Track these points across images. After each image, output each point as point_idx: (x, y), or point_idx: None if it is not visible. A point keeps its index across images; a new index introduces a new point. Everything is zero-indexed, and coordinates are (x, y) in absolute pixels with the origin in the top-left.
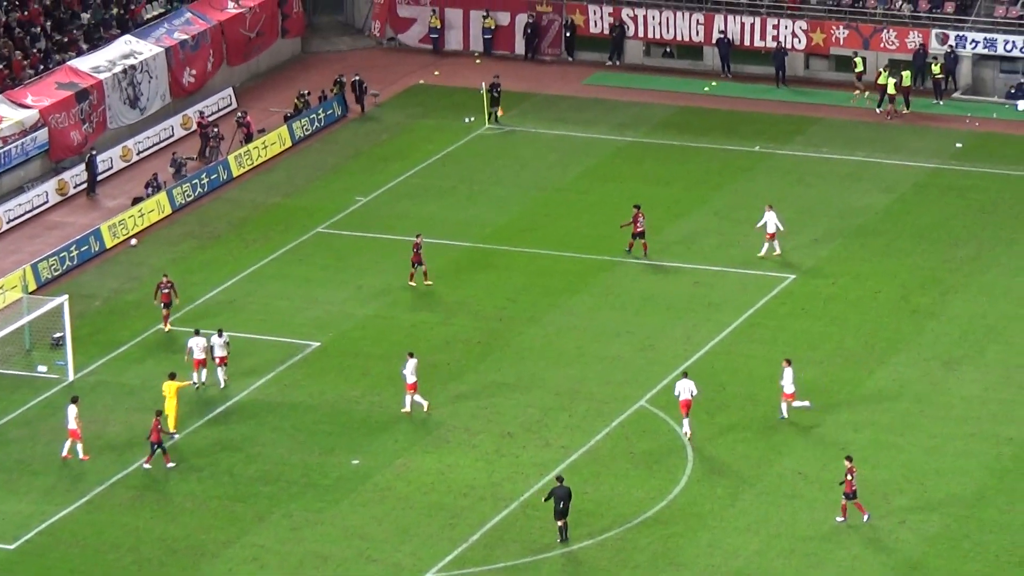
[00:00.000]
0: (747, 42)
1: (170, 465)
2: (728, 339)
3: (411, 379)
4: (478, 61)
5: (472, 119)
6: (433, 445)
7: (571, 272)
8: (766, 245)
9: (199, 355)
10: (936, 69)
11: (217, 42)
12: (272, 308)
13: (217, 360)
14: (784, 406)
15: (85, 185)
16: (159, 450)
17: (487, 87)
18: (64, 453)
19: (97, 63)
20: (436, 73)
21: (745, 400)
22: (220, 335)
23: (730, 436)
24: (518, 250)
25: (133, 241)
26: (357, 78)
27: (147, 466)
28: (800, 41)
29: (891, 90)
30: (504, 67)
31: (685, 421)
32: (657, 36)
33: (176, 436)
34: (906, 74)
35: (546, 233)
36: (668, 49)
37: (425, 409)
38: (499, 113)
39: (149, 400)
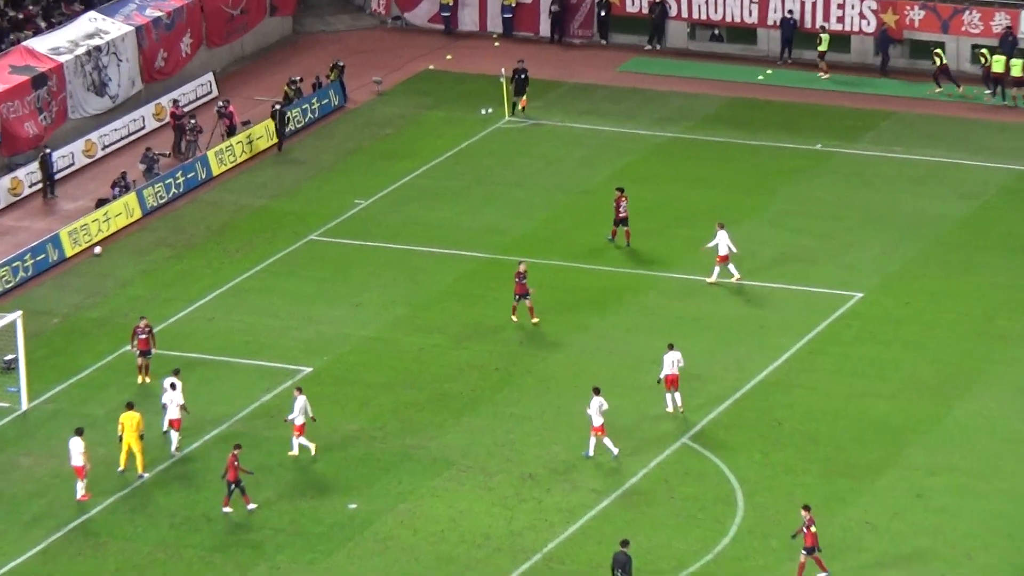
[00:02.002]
0: (808, 23)
1: (251, 507)
2: (784, 367)
3: (299, 420)
4: (497, 44)
5: (490, 110)
6: (443, 488)
7: (603, 289)
8: (717, 269)
9: (174, 414)
10: None
11: (195, 20)
12: (257, 328)
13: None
14: (592, 441)
15: (41, 185)
16: (237, 489)
17: (509, 74)
18: (80, 495)
19: (57, 43)
20: (448, 57)
21: (804, 439)
22: (173, 387)
23: (786, 480)
24: (541, 262)
25: (97, 250)
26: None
27: (227, 509)
28: (869, 23)
29: (1017, 72)
30: (527, 51)
31: (670, 396)
32: (704, 16)
33: (145, 476)
34: (998, 59)
35: (574, 243)
36: (716, 31)
37: (313, 453)
38: (522, 104)
39: (114, 433)
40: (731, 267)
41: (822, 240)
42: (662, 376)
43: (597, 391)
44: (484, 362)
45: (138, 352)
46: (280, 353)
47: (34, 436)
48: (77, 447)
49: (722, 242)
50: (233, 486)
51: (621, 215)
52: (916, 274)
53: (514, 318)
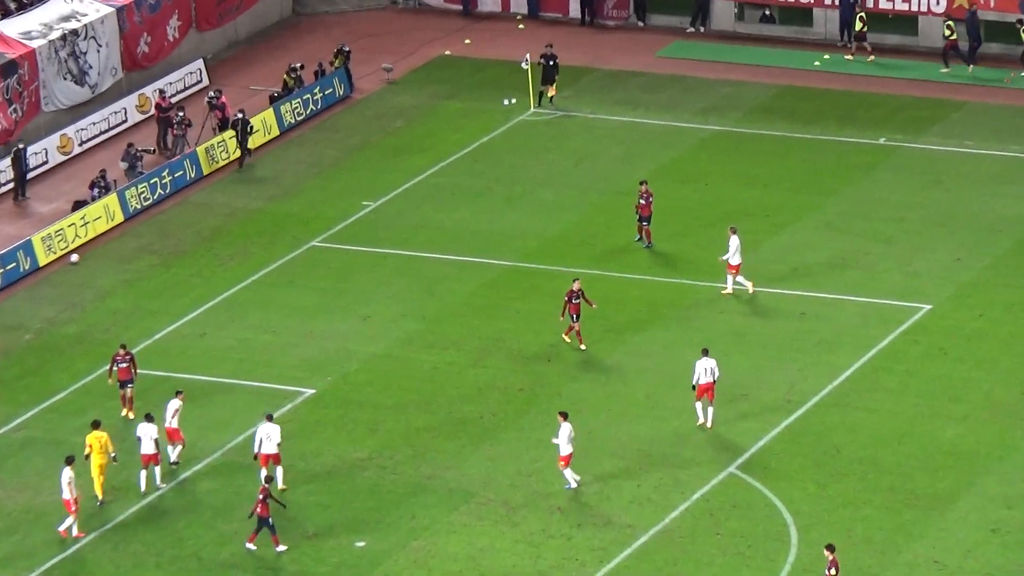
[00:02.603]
0: (871, 2)
1: (280, 549)
2: (843, 387)
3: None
4: (521, 26)
5: (513, 101)
6: (461, 523)
7: (640, 300)
8: (730, 278)
9: (149, 448)
10: None
11: (183, 0)
12: (253, 345)
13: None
14: (569, 472)
15: (12, 186)
16: (266, 528)
17: (535, 60)
18: (62, 528)
19: (28, 27)
20: (467, 41)
21: (867, 466)
22: (149, 417)
23: (846, 513)
24: (571, 271)
25: (74, 257)
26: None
27: (251, 546)
28: (938, 3)
29: None
30: (555, 34)
31: (701, 405)
32: None
33: (103, 502)
34: None
35: (608, 249)
36: (767, 11)
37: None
38: (551, 93)
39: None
40: (741, 278)
41: (886, 245)
42: (694, 382)
43: (565, 416)
44: (506, 382)
45: (118, 384)
46: (279, 373)
47: (3, 467)
48: (66, 478)
49: (733, 248)
50: (263, 523)
51: (647, 212)
52: (991, 283)
53: (567, 339)
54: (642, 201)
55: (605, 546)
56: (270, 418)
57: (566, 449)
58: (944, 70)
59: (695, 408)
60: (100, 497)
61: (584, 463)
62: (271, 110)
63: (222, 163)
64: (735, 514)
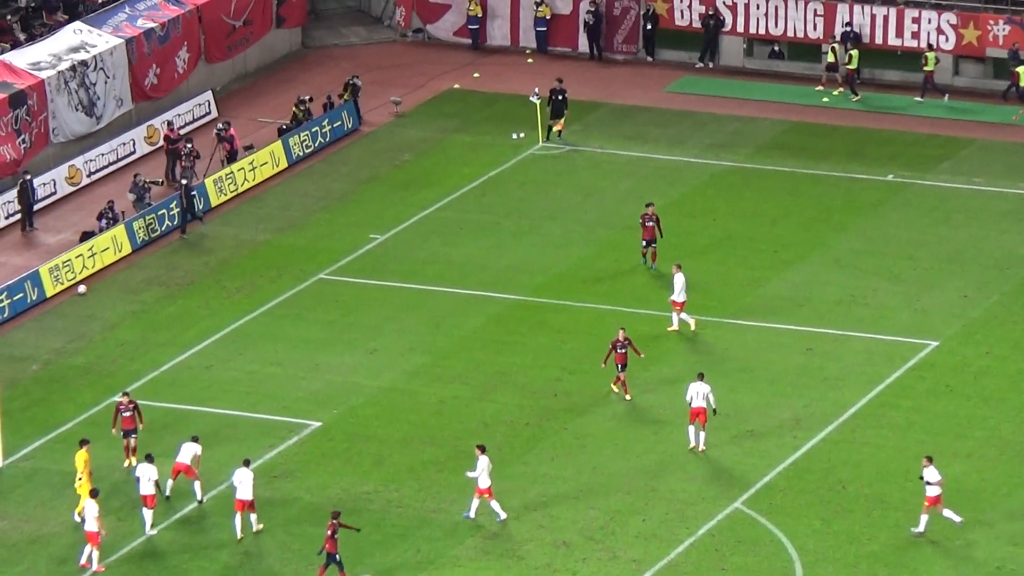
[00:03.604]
0: (879, 39)
1: None
2: (850, 424)
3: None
4: (530, 60)
5: (522, 135)
6: (467, 557)
7: (647, 335)
8: (675, 316)
9: (148, 489)
10: None
11: (193, 32)
12: (259, 377)
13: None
14: (476, 503)
15: (19, 216)
16: (335, 564)
17: (544, 94)
18: (90, 565)
19: (38, 58)
20: (476, 75)
21: (872, 503)
22: (150, 458)
23: (851, 550)
24: (579, 305)
25: (81, 288)
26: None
27: None
28: (948, 39)
29: None
30: (564, 68)
31: (695, 434)
32: (762, 30)
33: (79, 520)
34: None
35: (615, 284)
36: (777, 47)
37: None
38: (559, 128)
39: (102, 494)
40: (685, 315)
41: (894, 282)
42: (689, 404)
43: (483, 449)
44: (512, 417)
45: (122, 433)
46: (285, 405)
47: (9, 497)
48: (92, 511)
49: (678, 286)
50: (332, 559)
51: (651, 235)
52: (1000, 320)
53: (615, 389)
54: (648, 224)
55: None
56: (247, 463)
57: (484, 482)
58: (919, 100)
59: (687, 432)
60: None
61: (590, 498)
62: (279, 142)
63: (230, 195)
64: (740, 550)
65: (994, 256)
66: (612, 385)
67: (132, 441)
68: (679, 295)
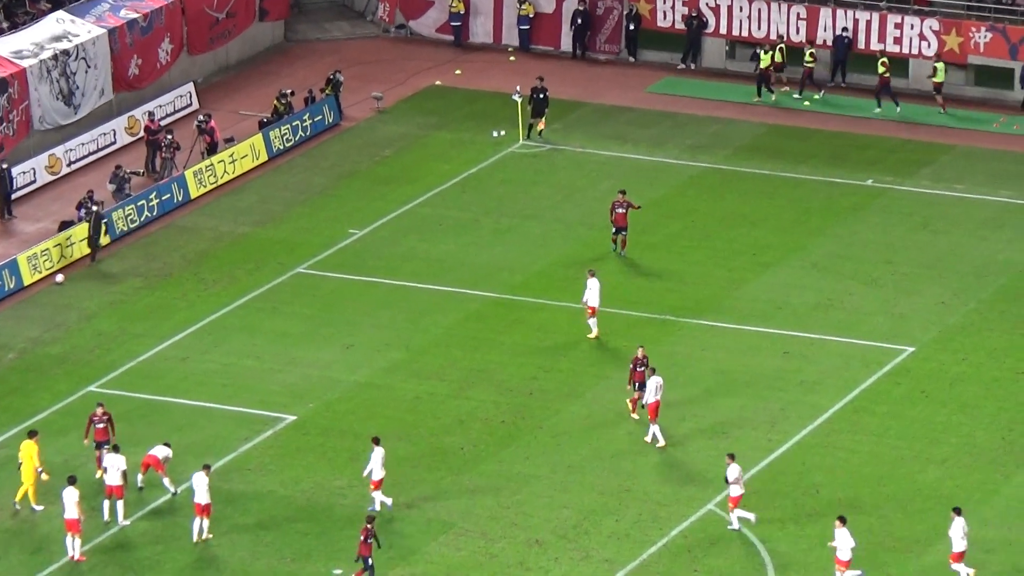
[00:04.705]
0: (860, 43)
1: None
2: (825, 428)
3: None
4: (512, 59)
5: (503, 133)
6: (439, 553)
7: (624, 335)
8: (593, 323)
9: (115, 480)
10: None
11: (175, 24)
12: (236, 370)
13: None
14: (379, 495)
15: None
16: (367, 571)
17: (525, 92)
18: (72, 553)
19: (20, 46)
20: (457, 72)
21: (846, 507)
22: (116, 448)
23: (823, 553)
24: (557, 304)
25: (59, 277)
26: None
27: None
28: (930, 46)
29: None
30: (546, 67)
31: (654, 429)
32: (745, 33)
33: (18, 508)
34: None
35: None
36: (758, 50)
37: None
38: (540, 126)
39: (79, 485)
40: (592, 321)
41: (872, 287)
42: (645, 401)
43: (377, 441)
44: (488, 414)
45: (95, 444)
46: (261, 399)
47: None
48: (72, 498)
49: (593, 292)
50: (365, 563)
51: (620, 220)
52: (977, 327)
53: (635, 416)
54: (620, 210)
55: None
56: (207, 469)
57: (378, 474)
58: (877, 110)
59: (650, 430)
60: (17, 502)
61: (564, 497)
62: (260, 135)
63: (210, 187)
64: (713, 551)
65: (973, 263)
66: (632, 414)
67: (104, 452)
68: (592, 300)
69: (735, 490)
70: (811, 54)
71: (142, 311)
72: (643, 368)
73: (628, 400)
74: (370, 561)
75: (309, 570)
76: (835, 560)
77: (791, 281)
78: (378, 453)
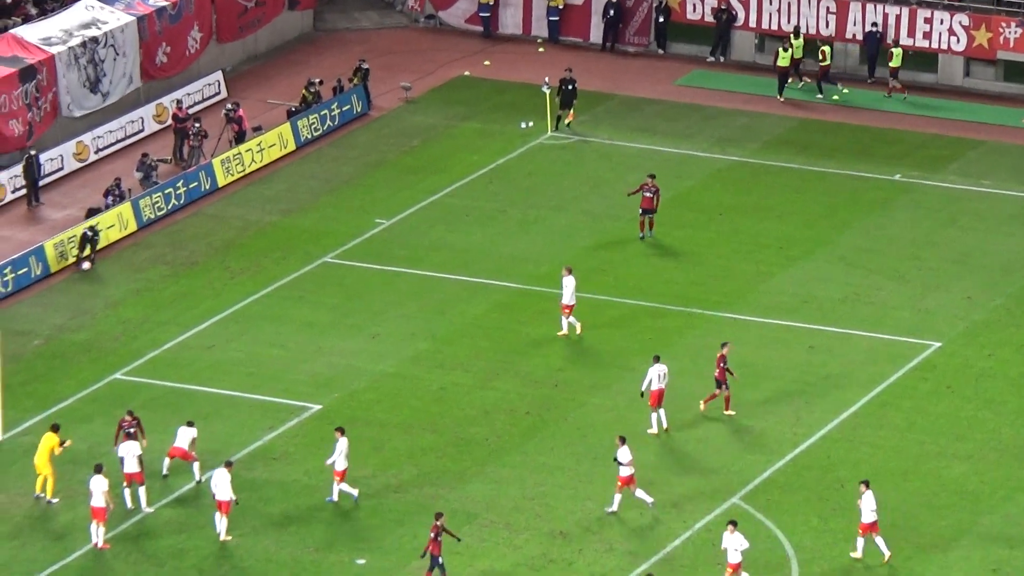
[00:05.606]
0: (890, 38)
1: None
2: (850, 422)
3: (340, 465)
4: (541, 50)
5: (531, 124)
6: (463, 544)
7: (649, 328)
8: (565, 320)
9: (132, 467)
10: None
11: (205, 12)
12: (261, 359)
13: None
14: (337, 486)
15: (25, 191)
16: (438, 568)
17: (554, 84)
18: (95, 540)
19: (49, 33)
20: (486, 63)
21: None
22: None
23: (846, 548)
24: (582, 296)
25: (86, 265)
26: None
27: None
28: (959, 41)
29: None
30: (575, 59)
31: (655, 415)
32: (775, 26)
33: (48, 500)
34: None
35: (620, 276)
36: (779, 48)
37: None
38: (568, 118)
39: (106, 473)
40: (572, 319)
41: (898, 282)
42: (644, 389)
43: (342, 431)
44: (513, 405)
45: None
46: (286, 388)
47: (7, 471)
48: (99, 486)
49: (568, 290)
50: (435, 562)
51: (646, 203)
52: (1003, 323)
53: (729, 412)
54: (647, 194)
55: (606, 572)
56: (228, 465)
57: (341, 464)
58: (818, 96)
59: (652, 419)
60: (41, 494)
61: (588, 488)
62: (288, 124)
63: (237, 175)
64: None
65: (999, 259)
66: (725, 410)
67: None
68: (569, 298)
69: (625, 471)
70: (822, 51)
71: (168, 299)
72: (724, 365)
73: (705, 399)
74: (440, 559)
75: (333, 560)
76: (860, 526)
77: (817, 275)
78: (342, 443)
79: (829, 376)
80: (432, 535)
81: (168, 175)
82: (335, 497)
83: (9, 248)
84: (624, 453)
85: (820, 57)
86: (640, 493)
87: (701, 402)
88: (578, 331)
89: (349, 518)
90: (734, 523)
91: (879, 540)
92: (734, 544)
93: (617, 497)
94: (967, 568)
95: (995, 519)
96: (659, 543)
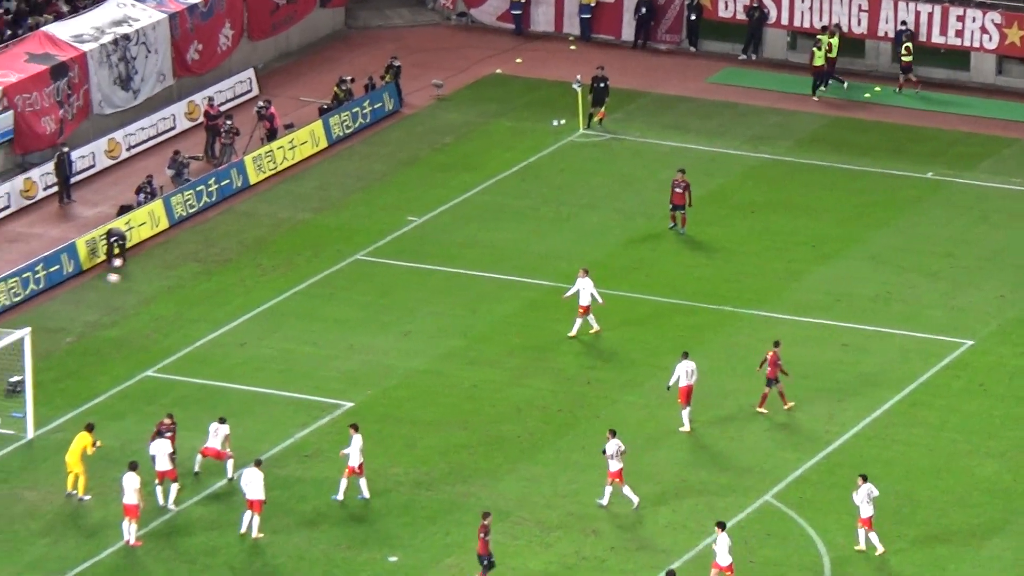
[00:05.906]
0: (923, 36)
1: None
2: (883, 420)
3: (355, 461)
4: (573, 47)
5: (562, 122)
6: (495, 542)
7: (684, 326)
8: (578, 322)
9: (164, 465)
10: None
11: (236, 9)
12: (293, 356)
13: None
14: (344, 483)
15: (57, 188)
16: (487, 567)
17: (586, 82)
18: (127, 538)
19: (80, 30)
20: (518, 61)
21: (902, 500)
22: (160, 434)
23: (881, 546)
24: (614, 294)
25: (117, 262)
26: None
27: None
28: (991, 39)
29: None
30: (607, 56)
31: (685, 412)
32: (807, 24)
33: (80, 498)
34: None
35: (652, 273)
36: (812, 48)
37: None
38: (600, 116)
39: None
40: (591, 319)
41: (931, 280)
42: (671, 384)
43: (356, 428)
44: (546, 402)
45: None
46: (318, 385)
47: (40, 468)
48: (132, 483)
49: (584, 290)
50: (485, 562)
51: (677, 199)
52: None
53: (761, 410)
54: (678, 190)
55: (638, 570)
56: (258, 463)
57: (355, 460)
58: (822, 89)
59: (683, 416)
60: (73, 491)
61: None
62: (320, 122)
63: (269, 173)
64: (769, 543)
65: None
66: (784, 406)
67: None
68: (583, 299)
69: (614, 465)
70: (828, 44)
71: (200, 296)
72: (778, 363)
73: (783, 405)
74: (487, 560)
75: (365, 557)
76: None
77: (850, 273)
78: (357, 440)
79: (862, 374)
80: (481, 535)
81: (200, 172)
82: (339, 496)
83: (41, 245)
84: (612, 446)
85: (827, 50)
86: (627, 491)
87: (757, 407)
88: (594, 329)
89: (381, 516)
90: (722, 524)
91: (867, 534)
92: (723, 546)
93: (608, 490)
94: (999, 566)
95: None
96: (691, 541)
